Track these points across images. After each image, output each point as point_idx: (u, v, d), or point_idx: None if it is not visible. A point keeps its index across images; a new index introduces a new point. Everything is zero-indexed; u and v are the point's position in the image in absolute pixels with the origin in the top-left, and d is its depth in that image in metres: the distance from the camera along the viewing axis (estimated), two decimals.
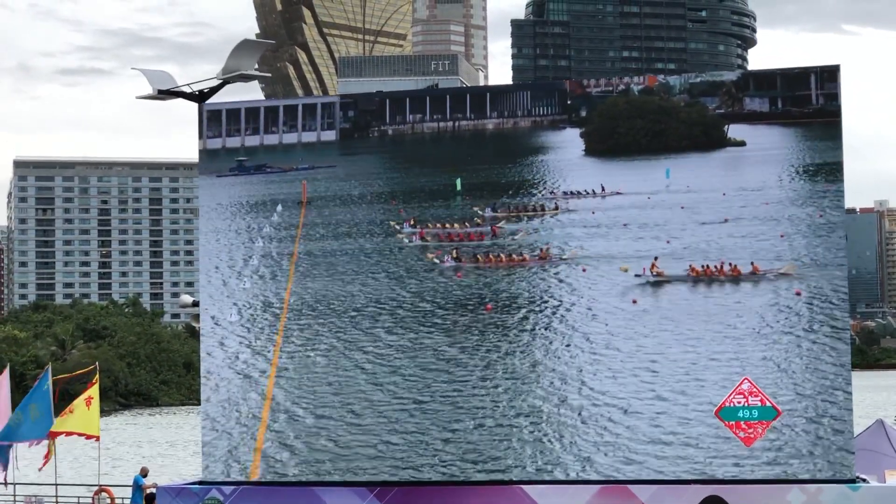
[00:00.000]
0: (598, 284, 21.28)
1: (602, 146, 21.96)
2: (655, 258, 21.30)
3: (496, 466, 20.93)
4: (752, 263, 20.94)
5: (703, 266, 21.14)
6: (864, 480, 20.23)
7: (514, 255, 21.87)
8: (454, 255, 22.04)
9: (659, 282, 21.18)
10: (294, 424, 21.47)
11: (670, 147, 21.42)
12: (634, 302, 20.89)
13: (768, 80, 21.64)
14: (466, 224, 22.15)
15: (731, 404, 20.40)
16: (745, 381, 20.43)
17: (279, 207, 22.43)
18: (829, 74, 21.08)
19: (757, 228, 20.98)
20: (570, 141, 22.03)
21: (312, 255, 22.08)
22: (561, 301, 21.24)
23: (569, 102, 22.23)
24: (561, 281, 21.37)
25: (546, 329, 21.18)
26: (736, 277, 20.98)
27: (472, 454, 20.98)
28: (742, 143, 21.05)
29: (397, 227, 21.95)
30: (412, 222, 22.20)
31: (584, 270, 21.36)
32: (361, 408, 21.40)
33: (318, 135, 22.74)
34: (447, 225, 22.09)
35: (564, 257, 21.61)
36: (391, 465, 21.15)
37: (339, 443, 21.44)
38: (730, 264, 21.03)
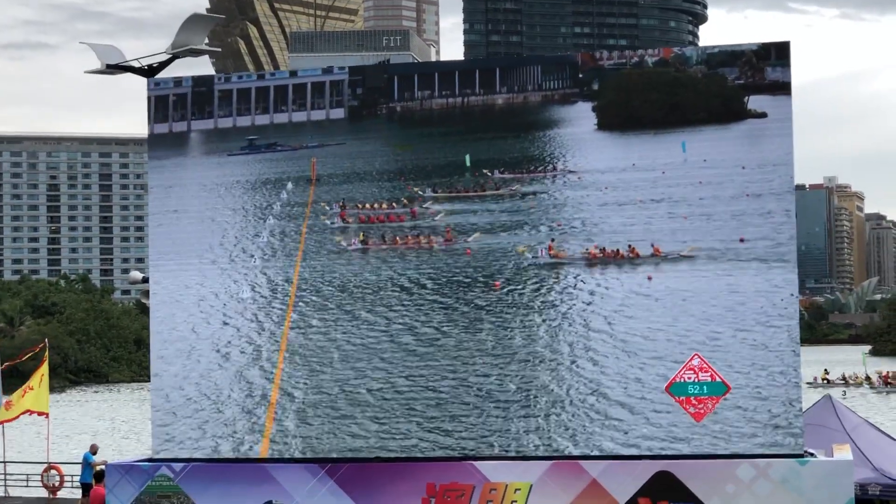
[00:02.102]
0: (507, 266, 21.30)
1: (615, 120, 21.73)
2: (552, 240, 21.32)
3: (453, 443, 20.94)
4: (652, 245, 21.00)
5: (601, 248, 21.14)
6: (812, 455, 20.37)
7: (421, 238, 21.78)
8: (361, 238, 21.97)
9: (558, 263, 21.19)
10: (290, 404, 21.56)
11: (687, 120, 21.23)
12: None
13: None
14: (394, 205, 22.02)
15: (681, 380, 20.48)
16: (696, 356, 20.51)
17: (289, 185, 22.26)
18: (779, 51, 21.10)
19: (713, 209, 20.98)
20: (582, 115, 21.73)
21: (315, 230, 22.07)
22: (484, 282, 21.23)
23: (580, 76, 21.93)
24: (476, 265, 21.32)
25: (497, 309, 21.20)
26: (634, 259, 21.03)
27: (433, 431, 21.01)
28: (763, 115, 20.92)
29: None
30: (341, 203, 22.11)
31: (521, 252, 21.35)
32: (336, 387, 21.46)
33: (327, 112, 22.50)
34: (373, 206, 21.97)
35: (469, 240, 21.58)
36: (352, 444, 21.17)
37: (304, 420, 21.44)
38: (629, 246, 21.07)
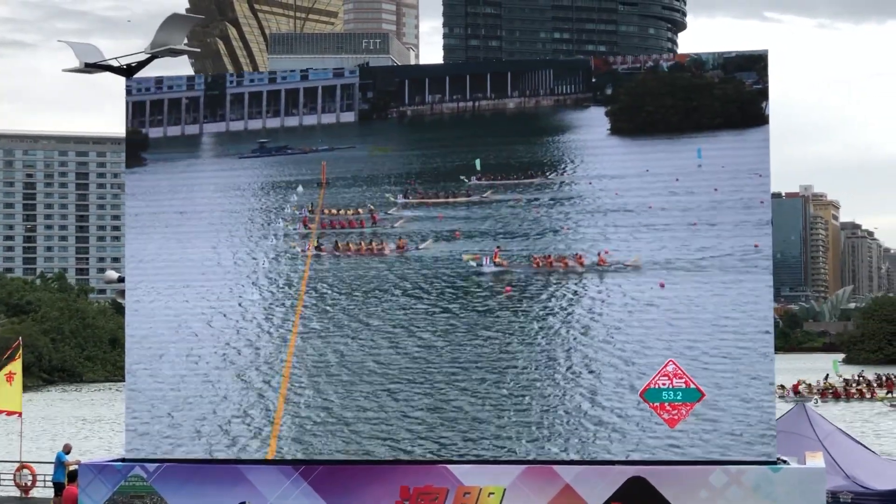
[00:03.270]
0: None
1: (629, 125, 21.62)
2: (497, 247, 21.34)
3: (429, 447, 20.96)
4: (598, 254, 21.06)
5: (544, 256, 21.20)
6: (785, 462, 20.45)
7: (374, 245, 21.81)
8: (314, 244, 21.98)
9: (504, 271, 21.23)
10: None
11: (703, 125, 21.14)
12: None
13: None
14: (359, 211, 22.02)
15: (656, 386, 20.53)
16: (671, 363, 20.57)
17: (299, 188, 22.19)
18: (757, 60, 21.18)
19: (690, 217, 21.05)
20: (594, 120, 21.64)
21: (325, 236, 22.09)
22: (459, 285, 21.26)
23: (594, 80, 21.84)
24: (423, 269, 21.39)
25: (486, 311, 21.25)
26: (580, 268, 21.08)
27: (409, 435, 21.04)
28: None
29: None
30: (310, 208, 22.12)
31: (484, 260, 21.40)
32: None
33: (338, 116, 22.41)
34: (338, 212, 21.97)
35: (421, 247, 21.63)
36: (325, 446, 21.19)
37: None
38: (575, 255, 21.13)
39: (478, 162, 21.87)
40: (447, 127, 22.14)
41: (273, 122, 22.60)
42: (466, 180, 21.80)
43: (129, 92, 22.86)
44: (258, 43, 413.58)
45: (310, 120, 22.55)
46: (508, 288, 21.27)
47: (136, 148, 22.77)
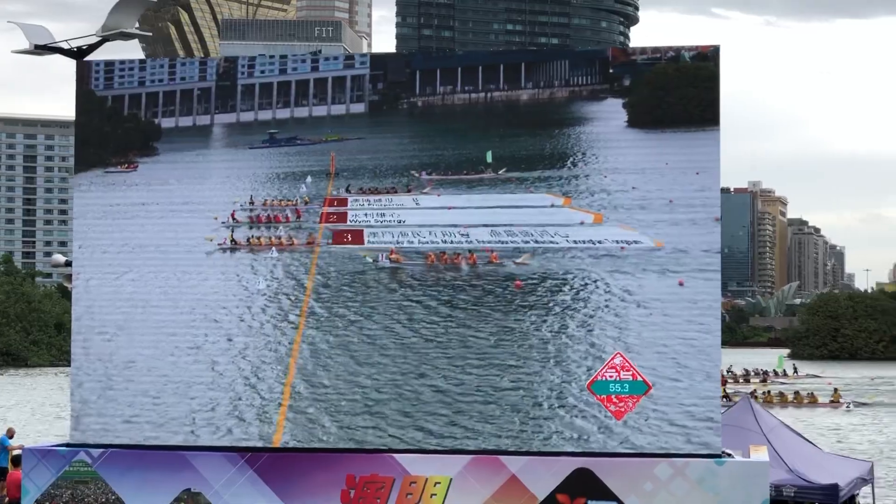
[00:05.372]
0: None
1: (647, 117, 21.35)
2: (395, 243, 21.46)
3: (378, 436, 20.96)
4: (490, 252, 21.15)
5: (438, 253, 21.25)
6: (729, 455, 20.59)
7: (283, 240, 21.83)
8: (230, 237, 21.95)
9: (397, 268, 21.31)
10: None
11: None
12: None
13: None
14: (289, 203, 21.99)
15: (603, 378, 20.61)
16: (618, 355, 20.65)
17: (308, 179, 22.03)
18: (697, 56, 21.18)
19: (640, 211, 21.11)
20: (611, 112, 21.35)
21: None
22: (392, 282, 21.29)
23: (611, 71, 21.56)
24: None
25: (447, 302, 21.28)
26: (473, 265, 21.17)
27: (359, 423, 21.04)
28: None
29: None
30: (264, 203, 22.06)
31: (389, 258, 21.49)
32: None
33: (348, 107, 22.20)
34: (279, 203, 21.94)
35: (331, 243, 21.67)
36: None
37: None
38: (469, 252, 21.19)
39: (489, 154, 21.72)
40: (458, 118, 21.98)
41: (283, 113, 22.41)
42: (417, 175, 21.71)
43: (141, 82, 22.68)
44: (210, 28, 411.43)
45: (319, 111, 22.39)
46: (519, 283, 21.13)
47: (149, 138, 22.56)
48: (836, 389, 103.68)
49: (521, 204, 21.36)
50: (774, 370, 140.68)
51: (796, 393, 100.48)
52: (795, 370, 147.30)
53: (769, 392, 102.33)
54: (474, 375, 20.94)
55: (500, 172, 21.44)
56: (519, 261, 21.03)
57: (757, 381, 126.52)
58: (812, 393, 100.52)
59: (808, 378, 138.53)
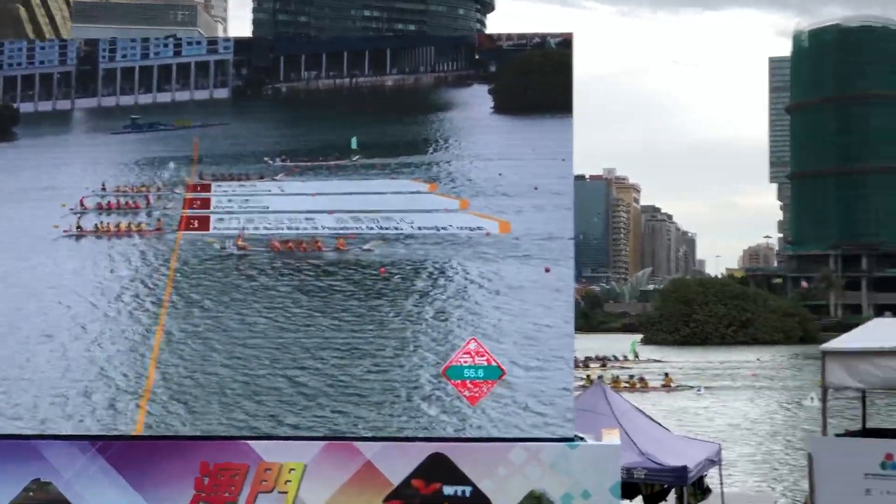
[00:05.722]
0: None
1: (514, 103, 21.35)
2: (242, 230, 21.42)
3: (233, 424, 20.83)
4: (336, 238, 21.26)
5: (283, 241, 21.35)
6: (582, 439, 20.83)
7: (131, 226, 21.70)
8: (77, 225, 21.77)
9: (246, 255, 21.34)
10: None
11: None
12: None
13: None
14: (142, 189, 21.81)
15: (458, 363, 20.72)
16: (472, 340, 20.77)
17: (171, 164, 21.66)
18: (562, 43, 21.43)
19: (500, 197, 21.26)
20: (477, 98, 21.36)
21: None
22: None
23: (477, 57, 21.56)
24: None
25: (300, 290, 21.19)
26: (318, 252, 21.28)
27: (214, 411, 20.90)
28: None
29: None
30: (117, 189, 21.84)
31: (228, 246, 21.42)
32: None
33: (211, 92, 21.87)
34: (134, 190, 21.73)
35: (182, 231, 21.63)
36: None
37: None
38: (313, 239, 21.32)
39: (354, 140, 21.64)
40: (323, 104, 21.86)
41: (146, 98, 22.11)
42: (271, 161, 21.61)
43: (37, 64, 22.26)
44: (62, 11, 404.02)
45: (182, 96, 22.14)
46: (383, 269, 21.14)
47: (7, 123, 22.11)
48: (666, 374, 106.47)
49: (385, 190, 21.40)
50: (614, 355, 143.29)
51: (630, 377, 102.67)
52: (636, 355, 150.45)
53: (602, 377, 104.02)
54: (330, 364, 20.93)
55: (355, 159, 21.44)
56: (366, 247, 21.05)
57: (597, 365, 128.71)
58: (643, 377, 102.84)
59: (650, 363, 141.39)
